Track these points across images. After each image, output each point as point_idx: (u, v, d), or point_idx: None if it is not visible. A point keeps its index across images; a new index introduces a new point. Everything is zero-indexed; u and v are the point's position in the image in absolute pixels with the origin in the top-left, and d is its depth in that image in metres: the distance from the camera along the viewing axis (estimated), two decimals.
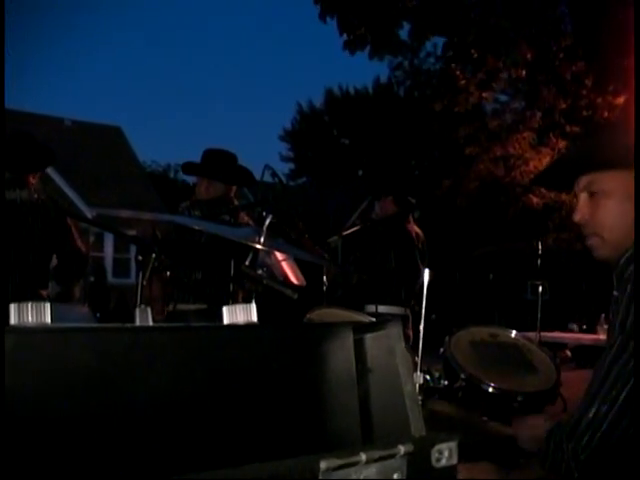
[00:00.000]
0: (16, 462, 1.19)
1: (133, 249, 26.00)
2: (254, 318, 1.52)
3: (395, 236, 6.42)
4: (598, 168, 2.35)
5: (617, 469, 2.15)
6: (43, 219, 5.02)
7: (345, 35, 16.33)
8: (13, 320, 1.29)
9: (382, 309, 6.00)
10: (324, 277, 5.93)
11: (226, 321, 1.52)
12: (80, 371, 1.28)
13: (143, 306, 1.48)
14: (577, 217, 2.39)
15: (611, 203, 2.34)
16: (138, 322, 1.48)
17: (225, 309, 1.52)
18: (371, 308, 6.08)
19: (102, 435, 1.28)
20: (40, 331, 1.28)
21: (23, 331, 1.27)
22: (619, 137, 2.45)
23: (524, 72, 16.79)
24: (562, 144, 18.24)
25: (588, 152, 2.49)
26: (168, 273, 5.07)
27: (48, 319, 1.31)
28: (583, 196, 2.38)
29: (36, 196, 5.01)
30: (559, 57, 16.26)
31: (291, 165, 44.10)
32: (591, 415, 2.13)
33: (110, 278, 25.11)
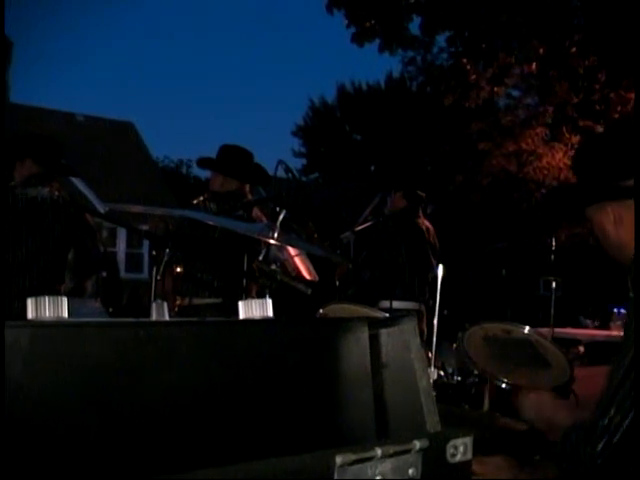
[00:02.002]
0: (31, 454, 1.20)
1: (146, 244, 26.10)
2: (270, 313, 1.52)
3: (405, 231, 6.42)
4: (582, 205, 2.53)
5: (634, 476, 2.14)
6: (63, 216, 5.07)
7: (353, 27, 16.24)
8: (30, 314, 1.29)
9: (396, 304, 5.99)
10: (336, 273, 5.93)
11: (242, 316, 1.52)
12: (95, 365, 1.28)
13: (160, 300, 1.48)
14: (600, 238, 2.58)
15: (595, 230, 2.49)
16: (155, 316, 1.48)
17: (241, 304, 1.52)
18: (385, 304, 6.08)
19: (117, 429, 1.29)
20: (56, 325, 1.29)
21: (39, 325, 1.28)
22: (593, 172, 2.51)
23: (536, 67, 16.70)
24: (575, 139, 18.15)
25: (576, 189, 2.65)
26: (179, 269, 5.10)
27: (65, 313, 1.31)
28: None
29: (57, 194, 5.06)
30: (571, 52, 16.18)
31: (304, 160, 44.06)
32: (606, 422, 2.12)
33: (123, 273, 25.17)
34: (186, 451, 1.35)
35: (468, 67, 16.85)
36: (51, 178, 5.10)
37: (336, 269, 5.99)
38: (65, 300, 1.32)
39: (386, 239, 6.47)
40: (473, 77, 16.91)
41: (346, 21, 16.30)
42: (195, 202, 5.52)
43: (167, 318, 1.50)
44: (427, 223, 6.63)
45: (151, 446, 1.32)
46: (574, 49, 16.14)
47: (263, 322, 1.52)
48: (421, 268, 6.30)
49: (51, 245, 5.02)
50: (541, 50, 16.01)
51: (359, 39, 16.30)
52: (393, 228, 6.45)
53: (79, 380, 1.27)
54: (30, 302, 1.30)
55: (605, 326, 11.87)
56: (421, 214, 6.65)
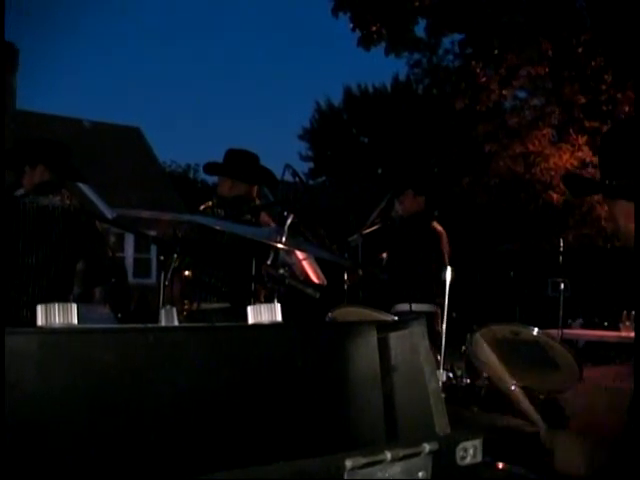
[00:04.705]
0: (42, 458, 1.20)
1: (153, 249, 26.15)
2: (279, 318, 1.52)
3: (423, 233, 6.43)
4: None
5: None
6: (73, 225, 5.08)
7: (359, 31, 16.28)
8: (40, 321, 1.30)
9: (414, 307, 5.99)
10: (345, 276, 5.93)
11: (251, 321, 1.52)
12: (105, 371, 1.29)
13: (169, 306, 1.49)
14: (608, 227, 2.58)
15: (617, 219, 2.50)
16: (164, 322, 1.49)
17: (250, 309, 1.52)
18: (402, 307, 6.09)
19: (126, 434, 1.29)
20: (65, 331, 1.30)
21: (48, 331, 1.29)
22: (617, 169, 2.52)
23: (545, 69, 16.70)
24: (582, 140, 18.13)
25: (599, 177, 2.64)
26: (187, 272, 5.11)
27: (75, 320, 1.32)
28: (607, 209, 2.56)
29: (67, 202, 5.08)
30: (578, 52, 16.17)
31: (310, 164, 44.02)
32: None
33: (131, 278, 25.19)
34: (195, 455, 1.35)
35: (477, 70, 16.86)
36: (61, 185, 5.11)
37: (344, 272, 5.99)
38: (75, 307, 1.33)
39: (403, 242, 6.48)
40: (483, 79, 16.93)
41: (351, 25, 16.34)
42: (203, 208, 5.54)
43: (176, 323, 1.50)
44: (439, 226, 6.64)
45: (161, 450, 1.33)
46: (581, 49, 16.13)
47: (272, 327, 1.53)
48: (437, 271, 6.30)
49: (62, 255, 5.03)
50: (549, 51, 16.01)
51: (365, 43, 16.34)
52: (410, 231, 6.46)
53: (89, 386, 1.27)
54: (40, 309, 1.31)
55: (615, 327, 11.82)
56: (433, 217, 6.66)
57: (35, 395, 1.22)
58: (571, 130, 18.59)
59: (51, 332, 1.29)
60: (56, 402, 1.24)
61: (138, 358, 1.33)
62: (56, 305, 1.31)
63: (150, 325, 1.38)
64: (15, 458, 1.17)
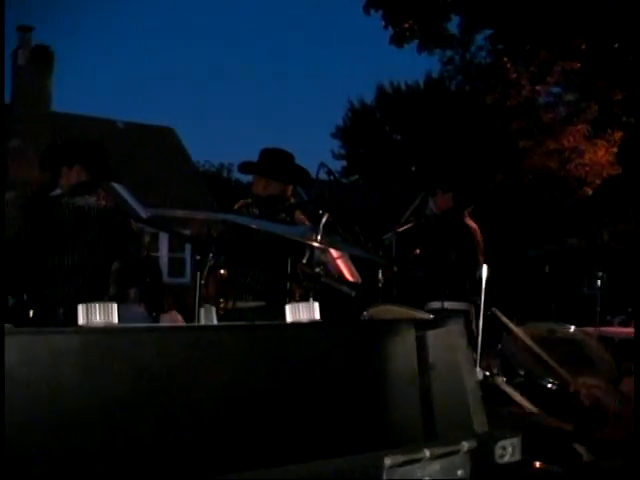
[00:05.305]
0: (82, 454, 1.22)
1: (188, 248, 26.22)
2: (317, 316, 1.53)
3: (454, 231, 6.39)
4: None
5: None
6: (109, 226, 5.11)
7: (391, 29, 16.22)
8: (81, 320, 1.31)
9: (447, 305, 5.95)
10: (379, 274, 5.91)
11: (289, 319, 1.53)
12: (145, 369, 1.30)
13: (208, 305, 1.50)
14: None
15: None
16: (203, 321, 1.50)
17: (288, 307, 1.52)
18: (435, 304, 6.06)
19: (166, 431, 1.30)
20: (105, 331, 1.31)
21: (89, 331, 1.30)
22: None
23: (578, 64, 16.53)
24: (618, 135, 17.96)
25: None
26: (222, 271, 5.12)
27: (115, 319, 1.33)
28: None
29: (103, 203, 5.11)
30: (614, 47, 15.98)
31: (343, 162, 43.94)
32: None
33: (165, 277, 25.27)
34: (234, 453, 1.36)
35: (508, 65, 16.76)
36: (97, 186, 5.15)
37: (379, 270, 5.97)
38: (115, 306, 1.34)
39: (435, 240, 6.45)
40: (514, 76, 16.81)
41: (383, 22, 16.29)
42: (238, 206, 5.54)
43: (215, 322, 1.51)
44: (473, 223, 6.59)
45: (199, 448, 1.33)
46: (617, 45, 15.95)
47: (311, 325, 1.53)
48: (470, 268, 6.26)
49: (97, 255, 5.06)
50: (583, 46, 15.85)
51: (398, 40, 16.27)
52: (442, 228, 6.43)
53: (130, 384, 1.28)
54: (81, 308, 1.32)
55: None
56: (467, 214, 6.62)
57: (77, 393, 1.23)
58: (607, 125, 18.40)
59: (90, 332, 1.30)
60: (97, 400, 1.25)
61: (176, 357, 1.34)
62: (97, 305, 1.32)
63: (190, 324, 1.39)
64: (58, 455, 1.19)
